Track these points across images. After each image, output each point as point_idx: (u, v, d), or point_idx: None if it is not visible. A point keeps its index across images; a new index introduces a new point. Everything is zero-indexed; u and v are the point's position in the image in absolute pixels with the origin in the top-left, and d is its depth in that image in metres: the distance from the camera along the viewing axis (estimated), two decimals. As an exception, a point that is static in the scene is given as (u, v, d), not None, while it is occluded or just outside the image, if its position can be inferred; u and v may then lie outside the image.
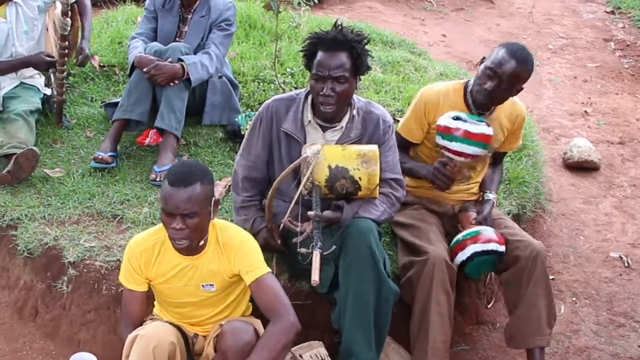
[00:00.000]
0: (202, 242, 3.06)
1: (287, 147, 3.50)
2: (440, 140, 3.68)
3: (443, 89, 3.82)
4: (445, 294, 3.50)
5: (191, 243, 2.99)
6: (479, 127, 3.63)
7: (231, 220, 3.54)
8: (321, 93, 3.34)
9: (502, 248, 3.66)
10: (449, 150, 3.67)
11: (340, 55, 3.31)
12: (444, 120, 3.67)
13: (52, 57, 4.63)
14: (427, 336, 3.48)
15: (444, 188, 3.77)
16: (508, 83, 3.59)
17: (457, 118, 3.65)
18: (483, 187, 3.95)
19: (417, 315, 3.53)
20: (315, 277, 3.07)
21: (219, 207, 4.06)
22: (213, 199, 3.01)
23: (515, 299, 3.67)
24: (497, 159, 4.05)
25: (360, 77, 3.42)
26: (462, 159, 3.69)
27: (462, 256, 3.65)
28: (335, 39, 3.33)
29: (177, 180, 2.92)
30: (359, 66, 3.35)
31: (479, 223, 3.75)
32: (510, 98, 3.81)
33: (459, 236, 3.69)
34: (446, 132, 3.65)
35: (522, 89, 3.70)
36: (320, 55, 3.34)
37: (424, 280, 3.50)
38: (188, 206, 2.90)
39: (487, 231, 3.67)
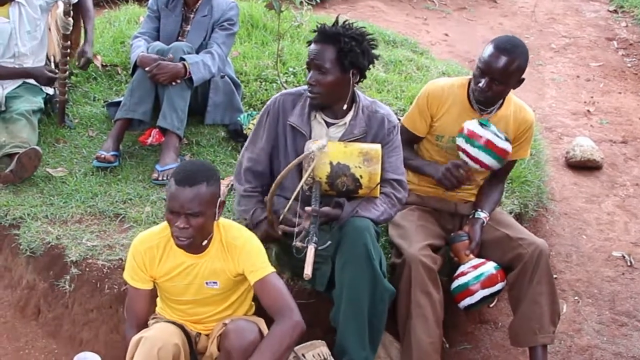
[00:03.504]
0: (205, 242, 3.07)
1: (293, 140, 3.52)
2: (462, 143, 3.68)
3: (448, 84, 3.83)
4: (426, 296, 3.50)
5: (193, 242, 3.00)
6: (503, 143, 3.65)
7: (234, 219, 3.54)
8: (307, 80, 3.43)
9: (504, 283, 3.68)
10: (467, 154, 3.68)
11: (325, 46, 3.36)
12: (471, 124, 3.66)
13: (55, 73, 4.64)
14: (411, 340, 3.49)
15: (451, 189, 3.78)
16: (501, 79, 3.57)
17: (483, 125, 3.65)
18: (477, 204, 3.87)
19: (401, 319, 3.55)
20: (307, 271, 3.08)
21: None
22: (219, 199, 3.02)
23: (519, 297, 3.67)
24: (499, 171, 3.92)
25: (355, 72, 3.40)
26: (477, 166, 3.71)
27: (470, 300, 3.66)
28: (323, 31, 3.39)
29: (184, 179, 2.92)
30: (343, 59, 3.35)
31: (472, 251, 3.73)
32: (521, 103, 3.84)
33: (463, 281, 3.66)
34: (470, 137, 3.65)
35: (522, 80, 3.67)
36: (311, 45, 3.43)
37: (403, 283, 3.51)
38: (192, 206, 2.91)
39: (489, 270, 3.65)
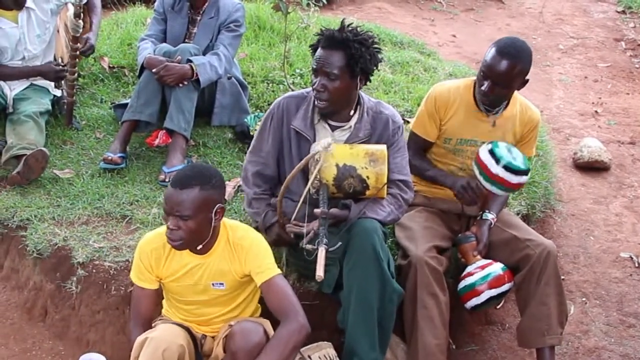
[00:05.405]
0: (200, 246, 3.06)
1: (297, 144, 3.51)
2: (477, 175, 3.63)
3: (454, 86, 3.82)
4: (432, 297, 3.48)
5: (184, 244, 3.01)
6: (518, 177, 3.57)
7: (241, 220, 3.54)
8: (313, 87, 3.39)
9: (511, 284, 3.67)
10: (481, 183, 3.64)
11: (334, 52, 3.32)
12: (484, 154, 3.59)
13: (62, 66, 4.65)
14: (417, 342, 3.48)
15: (471, 204, 3.77)
16: (503, 83, 3.57)
17: (494, 154, 3.56)
18: (484, 205, 3.86)
19: (408, 320, 3.54)
20: (320, 272, 3.07)
21: (228, 207, 4.09)
22: (217, 205, 3.00)
23: (526, 298, 3.66)
24: None
25: (362, 77, 3.39)
26: (489, 189, 3.68)
27: (476, 301, 3.65)
28: (332, 37, 3.35)
29: (177, 181, 2.96)
30: (354, 66, 3.32)
31: (480, 252, 3.72)
32: (527, 103, 3.83)
33: (470, 281, 3.64)
34: (484, 170, 3.58)
35: (525, 81, 3.65)
36: (317, 50, 3.39)
37: (409, 285, 3.50)
38: (181, 209, 2.93)
39: (496, 271, 3.63)
